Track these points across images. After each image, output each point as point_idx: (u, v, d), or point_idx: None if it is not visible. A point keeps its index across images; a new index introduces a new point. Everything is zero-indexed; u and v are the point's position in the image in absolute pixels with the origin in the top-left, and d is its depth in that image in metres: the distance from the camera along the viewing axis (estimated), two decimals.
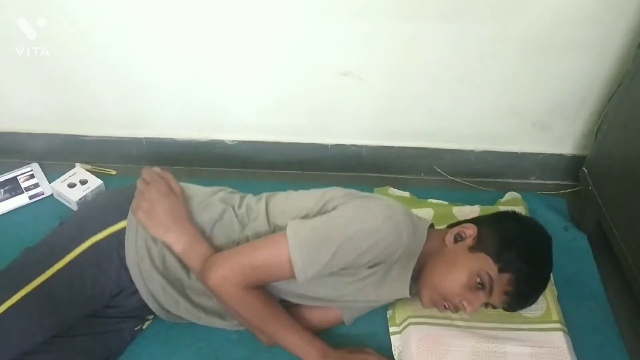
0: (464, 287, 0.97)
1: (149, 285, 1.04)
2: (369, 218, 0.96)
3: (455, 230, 1.03)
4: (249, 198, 1.12)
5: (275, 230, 1.03)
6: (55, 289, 0.99)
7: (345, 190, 1.06)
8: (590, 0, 1.20)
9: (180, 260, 1.04)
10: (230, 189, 1.16)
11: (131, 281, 1.03)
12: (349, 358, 1.04)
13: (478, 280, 0.97)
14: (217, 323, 1.08)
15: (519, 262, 0.96)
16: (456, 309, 1.00)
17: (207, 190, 1.13)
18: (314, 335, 1.04)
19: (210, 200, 1.09)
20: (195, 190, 1.12)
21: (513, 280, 0.96)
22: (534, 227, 1.04)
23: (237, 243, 1.04)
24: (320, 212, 1.01)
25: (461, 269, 0.98)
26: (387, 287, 1.04)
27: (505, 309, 1.03)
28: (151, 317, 1.13)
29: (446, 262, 1.00)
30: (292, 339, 1.02)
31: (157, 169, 1.10)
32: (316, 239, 0.95)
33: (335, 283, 1.02)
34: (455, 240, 1.02)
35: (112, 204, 1.12)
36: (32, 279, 0.99)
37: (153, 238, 1.04)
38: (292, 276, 0.95)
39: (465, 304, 0.97)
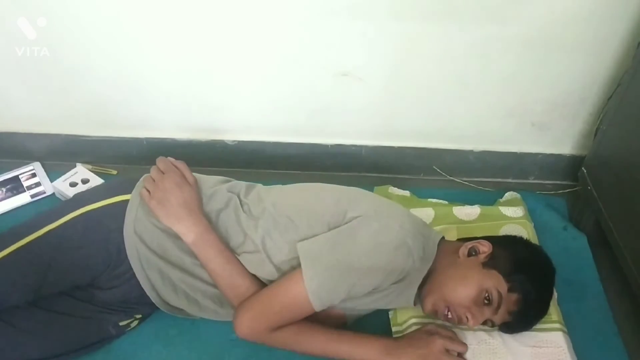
0: (471, 301, 0.99)
1: (147, 269, 1.05)
2: (384, 249, 0.97)
3: (470, 244, 1.04)
4: (259, 188, 1.14)
5: (287, 224, 1.03)
6: (42, 249, 1.02)
7: (363, 196, 1.07)
8: (590, 0, 1.20)
9: (179, 245, 1.05)
10: (237, 181, 1.17)
11: (120, 258, 1.04)
12: (413, 345, 1.01)
13: (486, 296, 0.98)
14: (216, 311, 1.08)
15: (529, 285, 0.98)
16: (459, 321, 1.01)
17: (214, 179, 1.15)
18: (365, 335, 1.03)
19: (216, 188, 1.10)
20: (204, 179, 1.13)
21: (520, 301, 0.98)
22: (543, 255, 1.06)
23: (245, 234, 1.05)
24: (341, 221, 1.01)
25: (472, 283, 0.99)
26: (392, 300, 1.05)
27: (503, 330, 1.05)
28: (139, 316, 1.14)
29: (458, 274, 1.01)
30: (344, 349, 1.01)
31: (171, 159, 1.11)
32: (333, 278, 0.96)
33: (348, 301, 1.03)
34: (469, 254, 1.03)
35: (114, 183, 1.17)
36: (23, 237, 1.02)
37: (152, 222, 1.04)
38: (312, 310, 0.97)
39: (469, 316, 0.99)
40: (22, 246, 1.01)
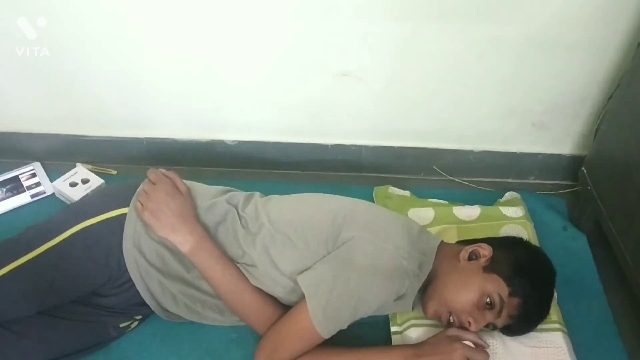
0: (473, 306, 0.99)
1: (147, 281, 1.05)
2: (380, 274, 0.98)
3: (471, 248, 1.04)
4: (256, 199, 1.13)
5: (285, 241, 1.03)
6: (43, 267, 1.01)
7: (359, 212, 1.06)
8: (590, 0, 1.20)
9: (178, 258, 1.05)
10: (236, 190, 1.17)
11: (121, 271, 1.04)
12: (434, 352, 1.00)
13: (488, 300, 0.98)
14: (216, 319, 1.09)
15: (530, 289, 0.98)
16: (461, 326, 1.01)
17: (213, 190, 1.14)
18: (382, 347, 1.04)
19: (215, 200, 1.10)
20: (201, 190, 1.13)
21: (521, 305, 0.98)
22: (544, 257, 1.06)
23: (244, 250, 1.05)
24: (336, 244, 1.02)
25: (474, 288, 0.99)
26: (392, 307, 1.06)
27: (505, 332, 1.05)
28: (139, 317, 1.14)
29: (459, 279, 1.01)
30: None
31: (162, 169, 1.11)
32: (335, 306, 0.97)
33: None
34: (470, 258, 1.03)
35: (111, 193, 1.15)
36: (24, 254, 1.01)
37: (150, 235, 1.04)
38: (322, 339, 0.98)
39: (471, 321, 0.99)
40: (22, 264, 1.00)
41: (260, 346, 1.01)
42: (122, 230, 1.04)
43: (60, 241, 1.03)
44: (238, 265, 1.05)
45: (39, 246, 1.02)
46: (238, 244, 1.06)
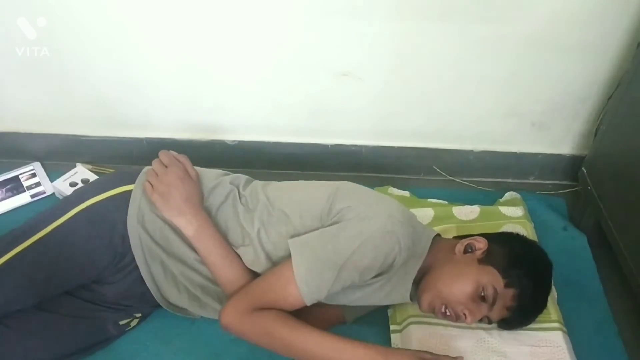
0: (468, 297, 0.99)
1: (150, 261, 1.06)
2: (370, 236, 0.96)
3: (466, 241, 1.04)
4: (257, 182, 1.15)
5: (281, 217, 1.04)
6: (48, 247, 1.02)
7: (353, 188, 1.07)
8: (590, 0, 1.20)
9: (181, 237, 1.06)
10: (237, 174, 1.18)
11: (125, 250, 1.05)
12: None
13: (482, 292, 0.98)
14: (216, 308, 1.08)
15: (526, 280, 0.98)
16: (457, 318, 1.01)
17: (216, 171, 1.16)
18: (355, 341, 0.98)
19: (218, 181, 1.11)
20: (206, 173, 1.14)
21: (517, 296, 0.98)
22: (539, 250, 1.06)
23: (242, 227, 1.06)
24: (330, 215, 1.02)
25: (469, 279, 0.99)
26: (388, 293, 1.05)
27: (501, 326, 1.05)
28: (139, 315, 1.14)
29: (454, 271, 1.01)
30: (327, 346, 0.96)
31: (174, 152, 1.12)
32: (320, 262, 0.96)
33: (339, 292, 1.02)
34: (465, 251, 1.03)
35: (112, 175, 1.19)
36: (29, 237, 1.02)
37: (155, 212, 1.05)
38: (300, 300, 0.96)
39: (467, 313, 0.99)
40: (28, 247, 1.01)
41: (234, 294, 1.01)
42: (127, 206, 1.05)
43: (65, 221, 1.04)
44: (237, 249, 1.06)
45: (43, 228, 1.03)
46: (237, 221, 1.07)
